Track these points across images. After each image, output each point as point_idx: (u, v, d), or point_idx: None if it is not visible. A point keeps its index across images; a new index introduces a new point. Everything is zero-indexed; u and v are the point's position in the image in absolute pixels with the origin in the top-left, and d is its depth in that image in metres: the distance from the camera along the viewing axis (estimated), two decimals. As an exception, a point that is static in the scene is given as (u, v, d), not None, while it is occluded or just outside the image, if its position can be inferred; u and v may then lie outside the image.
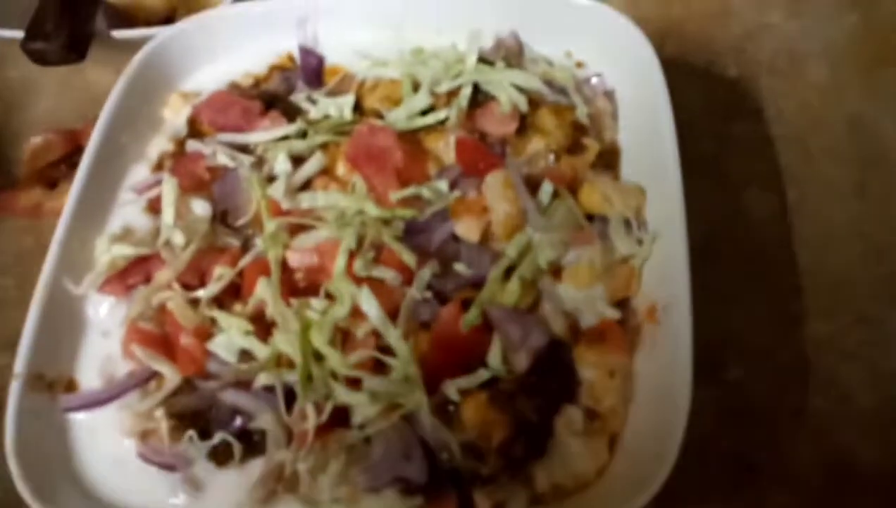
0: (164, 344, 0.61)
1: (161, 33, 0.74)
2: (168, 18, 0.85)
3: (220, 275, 0.62)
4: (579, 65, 0.72)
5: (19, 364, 0.59)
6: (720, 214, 0.74)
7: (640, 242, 0.61)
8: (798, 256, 0.72)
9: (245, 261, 0.62)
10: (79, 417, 0.60)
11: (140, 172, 0.71)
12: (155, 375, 0.61)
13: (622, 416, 0.56)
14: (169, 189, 0.65)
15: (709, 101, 0.81)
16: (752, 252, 0.73)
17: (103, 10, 0.79)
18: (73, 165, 0.81)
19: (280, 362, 0.58)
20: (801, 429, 0.65)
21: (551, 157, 0.66)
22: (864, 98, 0.80)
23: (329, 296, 0.60)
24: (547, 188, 0.62)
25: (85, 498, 0.57)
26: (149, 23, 0.84)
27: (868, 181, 0.76)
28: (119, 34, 0.79)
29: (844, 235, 0.73)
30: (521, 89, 0.67)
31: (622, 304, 0.60)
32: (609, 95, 0.70)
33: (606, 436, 0.56)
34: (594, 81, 0.71)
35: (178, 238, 0.64)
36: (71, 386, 0.62)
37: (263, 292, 0.60)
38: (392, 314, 0.58)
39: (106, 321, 0.64)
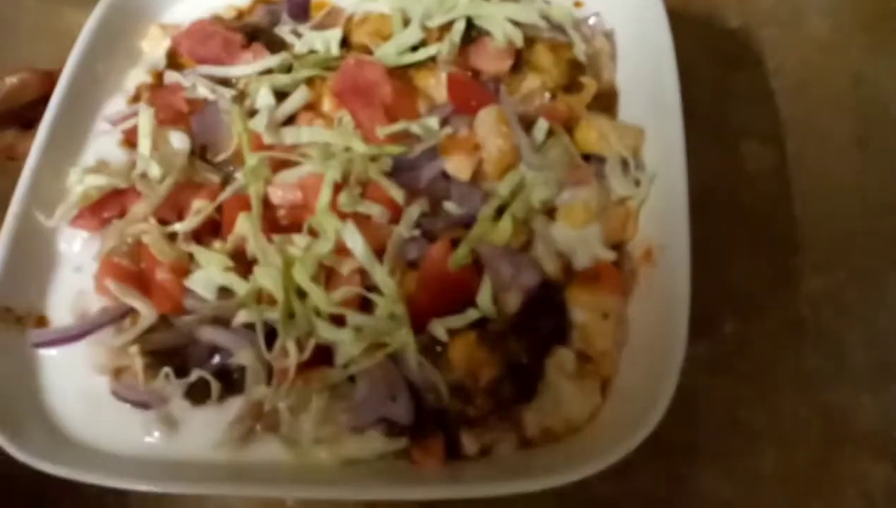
0: (139, 280, 0.59)
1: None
2: None
3: (199, 209, 0.59)
4: (577, 4, 0.70)
5: (-15, 298, 0.57)
6: (718, 166, 0.72)
7: (637, 183, 0.59)
8: (796, 210, 0.71)
9: (225, 195, 0.60)
10: (49, 353, 0.58)
11: (116, 104, 0.68)
12: (129, 311, 0.58)
13: (615, 360, 0.55)
14: (145, 120, 0.63)
15: (709, 52, 0.79)
16: (750, 205, 0.71)
17: None
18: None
19: (260, 298, 0.56)
20: (795, 385, 0.64)
21: (547, 95, 0.63)
22: (866, 53, 0.79)
23: (312, 232, 0.58)
24: (542, 125, 0.60)
25: (54, 435, 0.55)
26: None
27: (868, 136, 0.74)
28: None
29: (843, 190, 0.72)
30: (516, 24, 0.64)
31: (618, 247, 0.59)
32: (608, 35, 0.68)
33: (599, 380, 0.55)
34: (593, 20, 0.69)
35: (155, 171, 0.61)
36: (41, 322, 0.59)
37: (244, 228, 0.58)
38: (379, 252, 0.56)
39: (78, 256, 0.61)
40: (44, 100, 0.78)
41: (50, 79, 0.79)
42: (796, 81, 0.78)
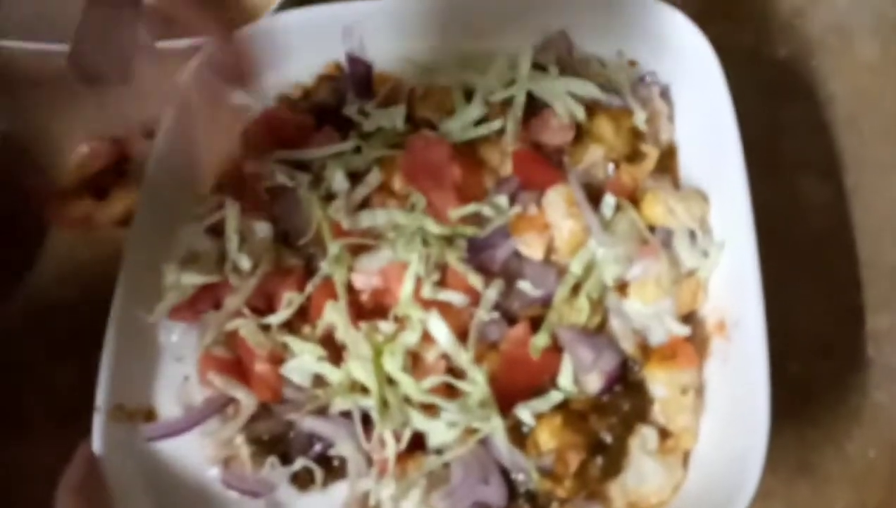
0: (238, 370, 0.61)
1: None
2: None
3: (290, 300, 0.61)
4: (632, 64, 0.69)
5: (100, 398, 0.59)
6: (774, 203, 0.69)
7: (705, 253, 0.59)
8: (856, 245, 0.69)
9: (312, 286, 0.61)
10: (161, 445, 0.60)
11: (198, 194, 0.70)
12: (231, 401, 0.61)
13: (695, 432, 0.56)
14: (232, 214, 0.64)
15: (758, 84, 0.77)
16: (809, 242, 0.70)
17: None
18: (122, 174, 0.79)
19: (354, 387, 0.58)
20: (862, 425, 0.64)
21: (610, 166, 0.63)
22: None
23: (397, 319, 0.59)
24: (609, 201, 0.60)
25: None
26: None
27: None
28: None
29: None
30: (576, 97, 0.64)
31: (688, 317, 0.59)
32: (664, 94, 0.67)
33: (680, 453, 0.55)
34: (648, 79, 0.68)
35: (245, 263, 0.63)
36: (150, 415, 0.62)
37: (332, 316, 0.59)
38: (460, 335, 0.58)
39: (178, 347, 0.64)
40: (114, 168, 0.79)
41: (118, 147, 0.80)
42: (849, 111, 0.75)
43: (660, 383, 0.56)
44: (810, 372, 0.66)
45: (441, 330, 0.57)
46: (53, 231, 0.78)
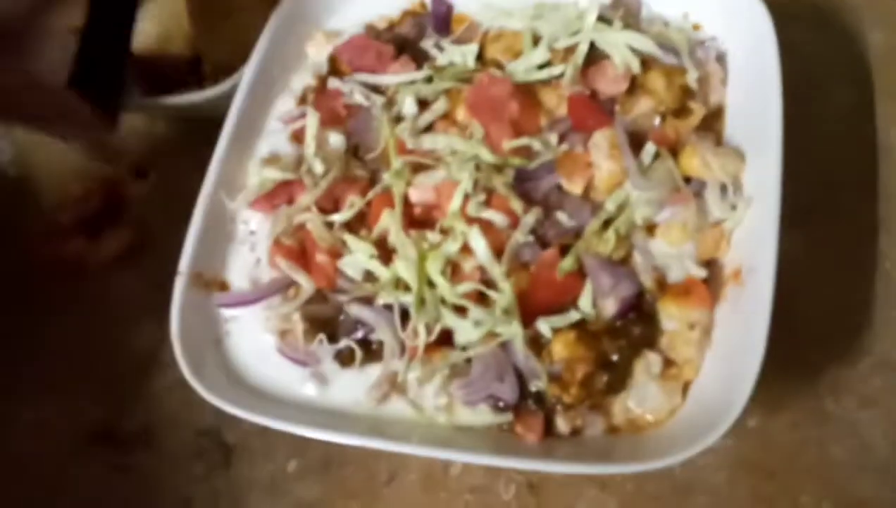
0: (302, 258, 0.66)
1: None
2: (193, 63, 0.78)
3: (352, 203, 0.66)
4: (696, 27, 0.70)
5: (183, 264, 0.66)
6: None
7: (733, 207, 0.61)
8: (819, 299, 0.65)
9: (374, 193, 0.66)
10: (229, 313, 0.67)
11: (286, 104, 0.75)
12: (293, 283, 0.67)
13: (697, 365, 0.58)
14: (312, 122, 0.70)
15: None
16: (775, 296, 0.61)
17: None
18: (116, 215, 0.79)
19: (398, 284, 0.63)
20: (819, 479, 0.62)
21: (657, 118, 0.65)
22: (890, 123, 0.72)
23: (443, 231, 0.64)
24: (650, 149, 0.62)
25: (231, 380, 0.65)
26: (176, 69, 0.78)
27: (890, 218, 0.69)
28: (150, 101, 0.76)
29: (866, 276, 0.67)
30: (634, 50, 0.66)
31: (709, 263, 0.61)
32: (721, 58, 0.68)
33: (681, 382, 0.58)
34: (707, 44, 0.69)
35: (318, 167, 0.68)
36: (223, 287, 0.68)
37: (387, 222, 0.65)
38: (497, 253, 0.62)
39: (253, 233, 0.70)
40: (108, 209, 0.79)
41: (112, 188, 0.80)
42: (821, 161, 0.69)
43: (671, 316, 0.59)
44: (769, 425, 0.64)
45: (479, 244, 0.61)
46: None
